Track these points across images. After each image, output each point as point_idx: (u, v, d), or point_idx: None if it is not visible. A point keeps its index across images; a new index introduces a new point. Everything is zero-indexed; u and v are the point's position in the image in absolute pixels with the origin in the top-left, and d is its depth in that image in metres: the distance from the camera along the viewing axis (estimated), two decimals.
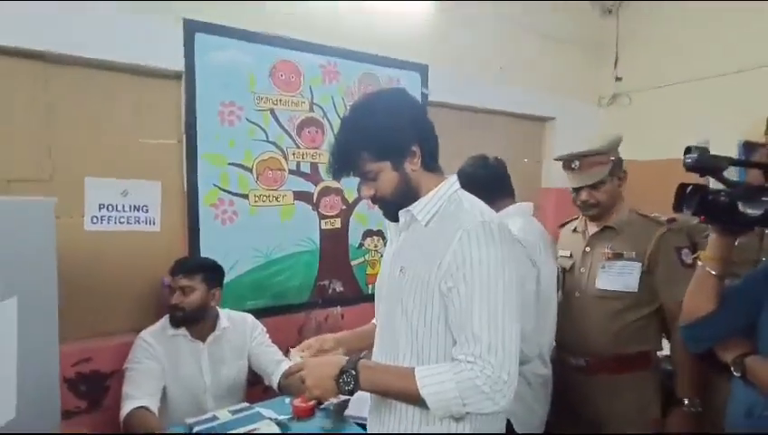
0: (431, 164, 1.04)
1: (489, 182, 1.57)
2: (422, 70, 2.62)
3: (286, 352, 2.05)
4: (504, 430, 1.07)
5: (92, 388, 1.88)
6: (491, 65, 2.93)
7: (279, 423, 1.42)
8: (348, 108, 2.35)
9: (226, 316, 1.85)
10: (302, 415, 1.57)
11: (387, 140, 0.99)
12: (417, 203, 1.02)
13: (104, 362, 1.88)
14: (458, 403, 0.88)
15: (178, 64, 1.97)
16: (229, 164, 2.11)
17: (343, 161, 1.03)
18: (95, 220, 1.91)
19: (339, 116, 2.38)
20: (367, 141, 0.99)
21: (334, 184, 2.37)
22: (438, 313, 0.95)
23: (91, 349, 1.87)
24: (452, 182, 1.05)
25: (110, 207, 1.94)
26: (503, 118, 3.08)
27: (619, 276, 1.58)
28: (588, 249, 1.68)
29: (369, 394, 1.06)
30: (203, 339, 1.77)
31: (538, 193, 3.14)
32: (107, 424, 1.80)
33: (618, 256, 1.59)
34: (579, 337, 1.63)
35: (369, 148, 0.99)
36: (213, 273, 1.83)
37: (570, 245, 1.77)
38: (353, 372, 0.95)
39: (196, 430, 1.34)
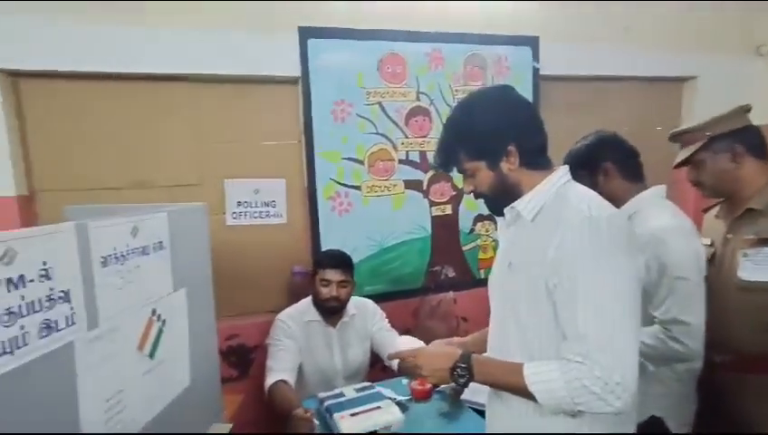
0: (533, 162, 1.01)
1: (606, 165, 1.42)
2: (532, 42, 2.46)
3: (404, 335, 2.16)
4: (633, 429, 1.02)
5: (240, 359, 2.19)
6: (612, 27, 2.62)
7: (398, 404, 1.51)
8: (454, 98, 2.35)
9: (352, 304, 2.00)
10: (420, 397, 1.65)
11: (481, 140, 1.00)
12: (521, 199, 1.00)
13: (248, 337, 2.18)
14: (568, 402, 0.88)
15: (295, 70, 2.13)
16: (343, 159, 2.24)
17: (443, 159, 1.08)
18: (234, 216, 2.19)
19: (446, 102, 2.36)
20: (462, 141, 1.02)
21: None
22: (546, 310, 0.93)
23: (237, 326, 2.17)
24: (560, 175, 1.01)
25: (246, 204, 2.20)
26: (629, 84, 2.76)
27: (765, 265, 1.35)
28: (729, 236, 1.46)
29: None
30: (334, 325, 1.94)
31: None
32: (254, 390, 2.09)
33: (763, 242, 1.35)
34: (722, 332, 1.44)
35: (465, 148, 1.02)
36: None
37: (712, 232, 1.55)
38: (467, 366, 0.99)
39: (326, 404, 1.50)
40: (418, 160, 2.36)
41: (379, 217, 2.32)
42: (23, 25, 1.79)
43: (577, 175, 1.06)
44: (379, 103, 2.27)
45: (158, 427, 1.13)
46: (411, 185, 2.37)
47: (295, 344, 1.87)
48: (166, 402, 1.18)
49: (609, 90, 2.72)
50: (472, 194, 1.08)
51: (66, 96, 1.96)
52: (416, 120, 2.34)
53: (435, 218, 2.42)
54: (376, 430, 1.35)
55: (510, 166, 1.00)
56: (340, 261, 1.93)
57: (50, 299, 0.79)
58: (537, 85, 2.48)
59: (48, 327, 0.79)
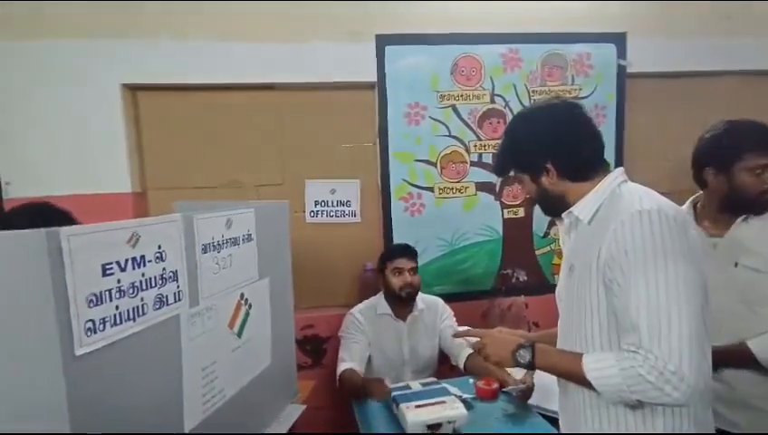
0: (576, 176, 1.03)
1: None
2: (618, 39, 2.34)
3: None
4: (712, 430, 0.99)
5: (314, 348, 2.34)
6: (711, 17, 2.41)
7: (463, 401, 1.53)
8: (530, 100, 2.31)
9: (421, 299, 2.06)
10: (486, 397, 1.65)
11: (519, 156, 1.09)
12: (577, 204, 1.03)
13: (322, 328, 2.31)
14: (625, 390, 0.88)
15: (371, 76, 2.23)
16: (416, 160, 2.30)
17: (497, 164, 1.21)
18: (312, 214, 2.34)
19: (521, 104, 2.33)
20: (508, 154, 1.11)
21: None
22: (605, 307, 0.94)
23: (313, 318, 2.32)
24: (614, 177, 1.02)
25: (323, 203, 2.34)
26: (727, 80, 2.52)
27: None
28: None
29: (555, 387, 1.13)
30: (404, 318, 2.02)
31: None
32: (325, 378, 2.22)
33: None
34: None
35: (512, 158, 1.11)
36: None
37: None
38: (529, 349, 1.05)
39: (394, 394, 1.56)
40: (491, 163, 2.35)
41: (451, 219, 2.35)
42: (140, 46, 2.08)
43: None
44: (453, 106, 2.30)
45: (242, 399, 1.27)
46: (483, 187, 2.36)
47: (365, 338, 1.97)
48: (249, 378, 1.32)
49: (702, 85, 2.51)
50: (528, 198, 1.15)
51: (174, 106, 2.23)
52: (489, 123, 2.33)
53: (507, 221, 2.40)
54: (440, 424, 1.39)
55: (550, 180, 1.04)
56: (408, 250, 2.03)
57: (162, 278, 0.94)
58: (623, 83, 2.36)
59: (161, 301, 0.94)
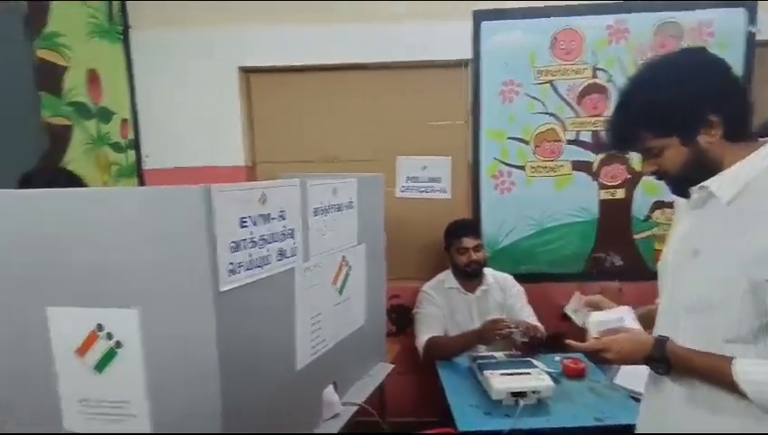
0: (738, 133, 0.88)
1: None
2: (749, 4, 2.09)
3: (560, 317, 2.15)
4: None
5: (399, 317, 2.46)
6: None
7: (550, 375, 1.54)
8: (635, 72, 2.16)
9: (491, 275, 2.09)
10: (572, 374, 1.65)
11: (672, 113, 0.89)
12: (715, 178, 0.89)
13: (408, 299, 2.42)
14: None
15: (465, 53, 2.24)
16: (509, 138, 2.28)
17: (619, 139, 0.99)
18: (403, 189, 2.44)
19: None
20: (646, 118, 0.91)
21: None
22: (743, 305, 0.84)
23: (399, 288, 2.43)
24: None
25: (414, 179, 2.42)
26: None
27: None
28: None
29: (643, 369, 1.03)
30: (472, 291, 2.07)
31: None
32: (408, 344, 2.33)
33: None
34: None
35: (650, 124, 0.91)
36: None
37: None
38: (663, 356, 0.94)
39: (478, 361, 1.63)
40: (590, 141, 2.26)
41: (542, 198, 2.31)
42: (253, 31, 2.29)
43: None
44: (551, 82, 2.23)
45: (340, 351, 1.41)
46: (580, 166, 2.28)
47: (439, 311, 2.05)
48: (347, 333, 1.46)
49: None
50: (652, 176, 0.98)
51: (280, 86, 2.43)
52: (590, 99, 2.23)
53: (603, 202, 2.30)
54: (525, 393, 1.42)
55: (710, 139, 0.87)
56: (472, 228, 2.08)
57: (283, 234, 1.09)
58: (752, 53, 2.11)
59: (281, 254, 1.09)
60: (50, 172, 1.39)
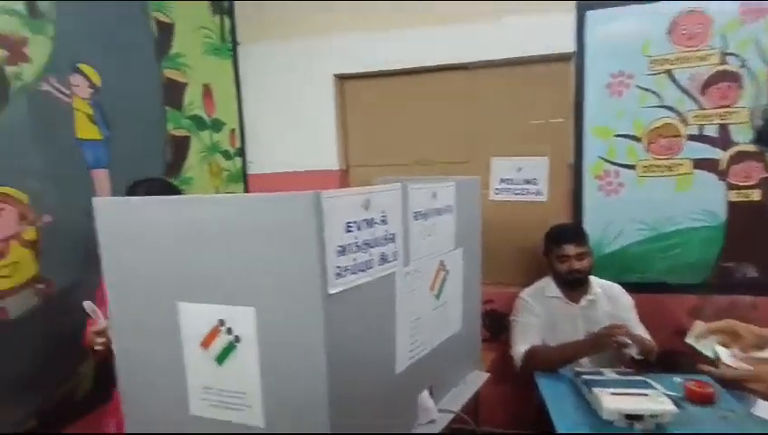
0: None
1: None
2: None
3: (676, 333, 1.93)
4: None
5: (493, 323, 2.38)
6: None
7: (672, 399, 1.38)
8: None
9: (597, 284, 1.92)
10: (699, 400, 1.46)
11: None
12: None
13: (501, 305, 2.34)
14: None
15: (568, 46, 2.10)
16: (616, 135, 2.10)
17: None
18: (497, 192, 2.35)
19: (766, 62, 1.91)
20: None
21: (751, 148, 1.94)
22: None
23: (492, 293, 2.36)
24: None
25: (508, 181, 2.33)
26: None
27: None
28: None
29: None
30: (576, 301, 1.91)
31: None
32: (503, 352, 2.25)
33: None
34: None
35: None
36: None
37: None
38: None
39: (584, 377, 1.51)
40: (716, 136, 2.00)
41: (655, 200, 2.09)
42: (347, 40, 2.37)
43: None
44: (668, 72, 2.01)
45: (436, 356, 1.40)
46: (703, 165, 2.03)
47: (538, 320, 1.93)
48: (443, 338, 1.44)
49: None
50: None
51: (373, 91, 2.48)
52: (717, 88, 1.97)
53: (733, 205, 2.02)
54: (641, 417, 1.29)
55: None
56: (575, 234, 1.90)
57: (385, 238, 1.10)
58: None
59: (383, 258, 1.10)
60: (149, 181, 1.56)
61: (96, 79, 1.77)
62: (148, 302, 1.10)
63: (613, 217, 2.14)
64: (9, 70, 1.48)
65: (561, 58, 2.16)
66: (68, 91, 1.67)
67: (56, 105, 1.63)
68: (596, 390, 1.39)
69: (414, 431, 1.31)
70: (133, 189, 1.53)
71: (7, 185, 1.46)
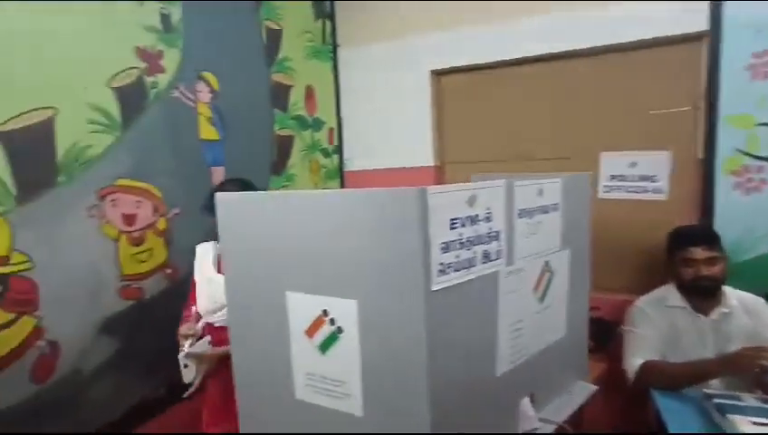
0: None
1: None
2: None
3: None
4: None
5: (599, 332, 2.19)
6: None
7: None
8: None
9: (734, 295, 1.67)
10: None
11: None
12: None
13: (608, 312, 2.15)
14: None
15: (699, 25, 1.86)
16: (758, 124, 1.81)
17: None
18: (606, 189, 2.15)
19: None
20: None
21: None
22: None
23: (599, 299, 2.16)
24: None
25: (620, 178, 2.12)
26: None
27: None
28: None
29: None
30: (706, 313, 1.68)
31: None
32: (611, 364, 2.06)
33: None
34: None
35: None
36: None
37: None
38: None
39: (716, 401, 1.33)
40: None
41: None
42: (443, 35, 2.34)
43: None
44: None
45: (539, 362, 1.32)
46: None
47: (655, 333, 1.72)
48: (546, 343, 1.36)
49: None
50: None
51: (470, 86, 2.42)
52: None
53: None
54: None
55: None
56: (705, 235, 1.66)
57: (488, 236, 1.06)
58: None
59: (486, 256, 1.06)
60: (235, 181, 1.63)
61: (215, 84, 1.95)
62: (261, 290, 1.18)
63: (754, 219, 1.85)
64: (148, 80, 1.69)
65: (690, 38, 1.91)
66: (193, 97, 1.85)
67: (183, 110, 1.82)
68: (733, 417, 1.21)
69: None
70: (221, 188, 1.61)
71: (146, 181, 1.67)
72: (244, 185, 1.60)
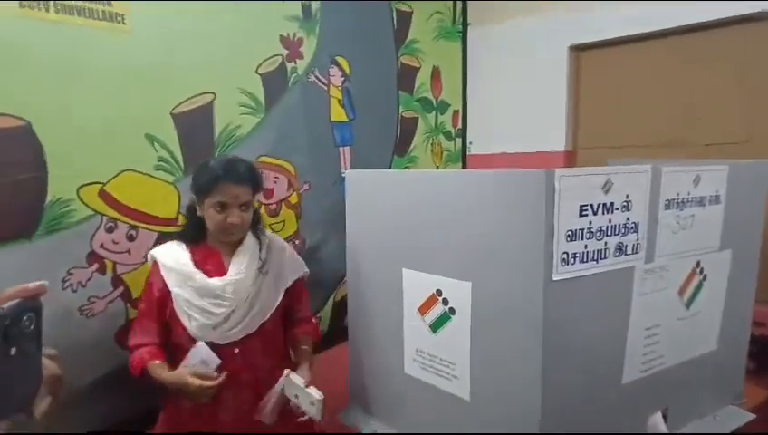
0: None
1: None
2: None
3: None
4: None
5: (761, 352, 1.83)
6: None
7: None
8: None
9: None
10: None
11: None
12: None
13: None
14: None
15: None
16: None
17: None
18: None
19: None
20: None
21: None
22: None
23: (765, 313, 1.81)
24: None
25: None
26: None
27: None
28: None
29: None
30: None
31: None
32: None
33: None
34: None
35: None
36: None
37: None
38: None
39: None
40: None
41: None
42: (581, 9, 2.11)
43: None
44: None
45: (679, 375, 1.15)
46: None
47: None
48: (690, 356, 1.18)
49: None
50: None
51: (615, 62, 2.16)
52: None
53: None
54: None
55: None
56: None
57: (625, 227, 0.94)
58: None
59: (620, 249, 0.95)
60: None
61: (347, 68, 2.04)
62: (379, 264, 1.23)
63: None
64: (288, 66, 1.84)
65: None
66: (326, 81, 1.97)
67: (317, 93, 1.95)
68: None
69: None
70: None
71: (283, 158, 1.84)
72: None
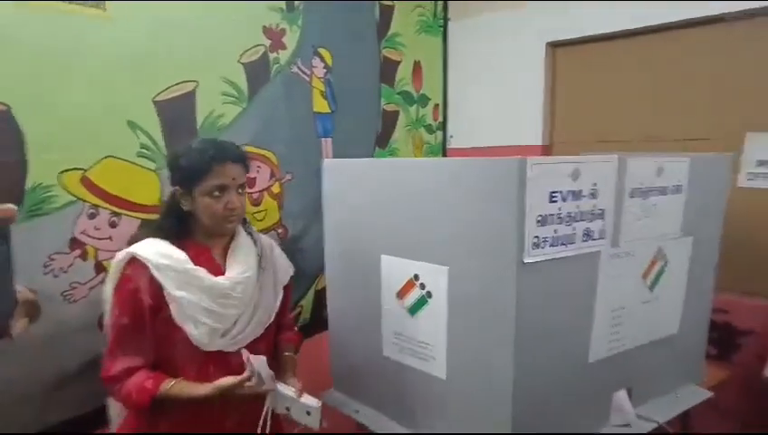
0: None
1: None
2: None
3: None
4: None
5: (723, 339, 1.94)
6: None
7: None
8: None
9: None
10: None
11: None
12: None
13: (739, 318, 1.88)
14: None
15: None
16: None
17: None
18: (751, 177, 1.86)
19: None
20: None
21: None
22: None
23: (729, 302, 1.90)
24: None
25: None
26: None
27: None
28: None
29: None
30: None
31: None
32: (737, 378, 1.82)
33: None
34: None
35: None
36: None
37: None
38: None
39: None
40: None
41: None
42: (559, 6, 2.17)
43: None
44: None
45: (643, 355, 1.22)
46: None
47: None
48: (652, 338, 1.25)
49: None
50: None
51: (589, 59, 2.23)
52: None
53: None
54: None
55: None
56: None
57: (592, 213, 1.00)
58: None
59: (587, 235, 1.01)
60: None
61: (329, 60, 2.06)
62: (357, 252, 1.26)
63: None
64: (271, 56, 1.85)
65: None
66: (309, 72, 1.99)
67: (300, 84, 1.96)
68: None
69: (604, 430, 1.19)
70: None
71: (266, 148, 1.85)
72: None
